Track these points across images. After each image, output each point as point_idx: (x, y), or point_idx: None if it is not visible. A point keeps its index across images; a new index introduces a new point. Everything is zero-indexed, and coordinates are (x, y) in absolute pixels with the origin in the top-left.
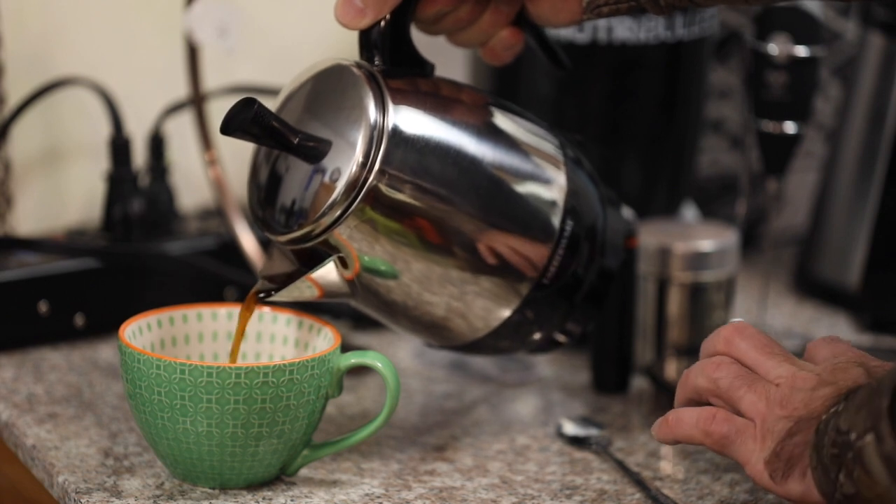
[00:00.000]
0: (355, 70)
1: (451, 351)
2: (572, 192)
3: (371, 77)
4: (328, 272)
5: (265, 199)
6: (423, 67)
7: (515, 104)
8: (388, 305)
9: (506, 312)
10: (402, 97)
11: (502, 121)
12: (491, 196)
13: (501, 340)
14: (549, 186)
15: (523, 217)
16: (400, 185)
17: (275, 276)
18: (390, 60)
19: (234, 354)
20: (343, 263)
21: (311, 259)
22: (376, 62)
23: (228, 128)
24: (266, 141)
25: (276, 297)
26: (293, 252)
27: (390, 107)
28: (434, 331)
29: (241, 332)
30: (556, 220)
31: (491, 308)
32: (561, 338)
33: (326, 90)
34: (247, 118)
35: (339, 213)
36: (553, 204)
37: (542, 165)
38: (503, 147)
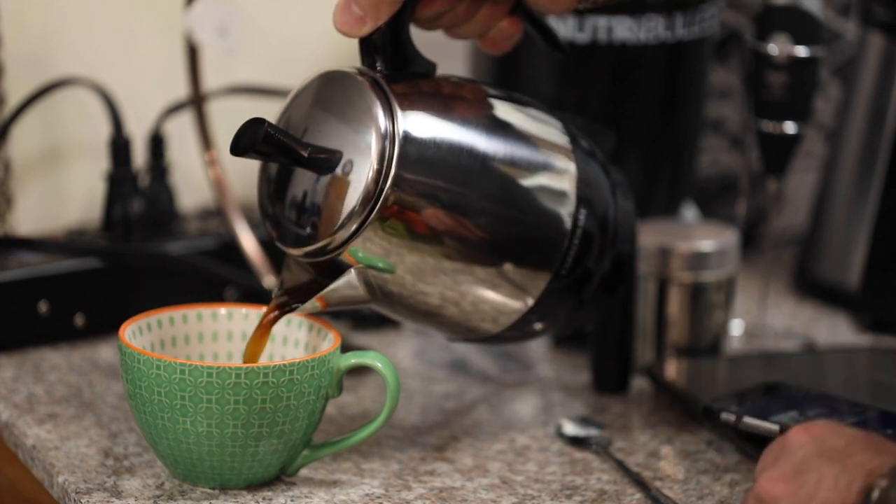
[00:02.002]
0: (359, 78)
1: (470, 344)
2: (583, 182)
3: (375, 84)
4: (348, 283)
5: (275, 193)
6: (424, 68)
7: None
8: (404, 305)
9: (526, 305)
10: (409, 102)
11: (508, 113)
12: (506, 192)
13: (517, 331)
14: (561, 177)
15: (539, 210)
16: (415, 190)
17: (293, 289)
18: (392, 64)
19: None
20: (362, 273)
21: (328, 269)
22: (378, 67)
23: (238, 148)
24: (276, 158)
25: (297, 313)
26: (309, 264)
27: (398, 113)
28: (447, 325)
29: (259, 350)
30: (570, 211)
31: (511, 302)
32: (580, 322)
33: (332, 100)
34: (256, 137)
35: (355, 226)
36: (566, 194)
37: (553, 156)
38: (513, 141)
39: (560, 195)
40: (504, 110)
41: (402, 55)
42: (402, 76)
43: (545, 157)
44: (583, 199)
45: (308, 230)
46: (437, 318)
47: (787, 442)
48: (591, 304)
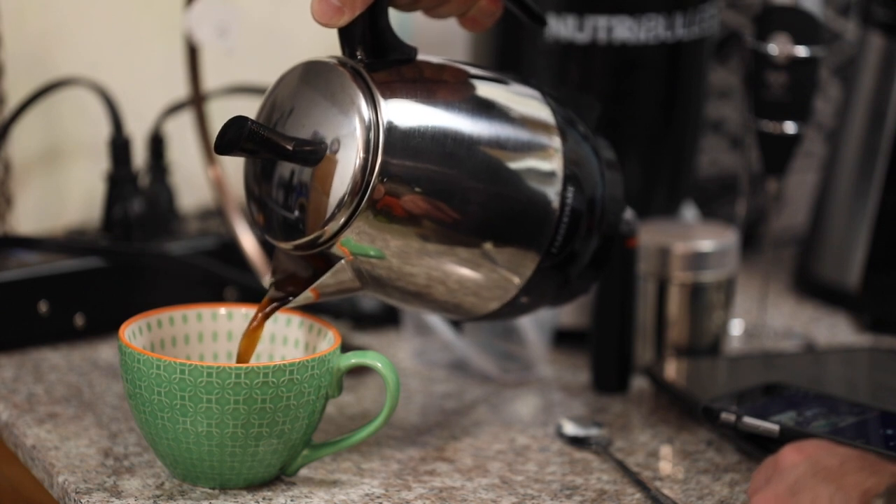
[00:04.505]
0: (340, 68)
1: (463, 322)
2: (571, 160)
3: (357, 74)
4: (340, 273)
5: (261, 173)
6: (405, 53)
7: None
8: (400, 290)
9: (518, 283)
10: (391, 90)
11: (493, 93)
12: (494, 174)
13: (508, 308)
14: (549, 156)
15: (527, 190)
16: (403, 178)
17: (284, 281)
18: (372, 52)
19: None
20: (354, 263)
21: (319, 259)
22: (359, 55)
23: (222, 146)
24: (262, 154)
25: (291, 306)
26: (300, 255)
27: (381, 102)
28: (442, 307)
29: (253, 345)
30: (558, 189)
31: (504, 281)
32: (569, 297)
33: (314, 91)
34: (241, 134)
35: (345, 218)
36: (554, 173)
37: (540, 135)
38: (498, 121)
39: (548, 175)
40: (488, 90)
41: (383, 42)
42: (383, 64)
43: (532, 136)
44: (570, 177)
45: (296, 213)
46: (432, 300)
47: (779, 462)
48: (580, 279)
